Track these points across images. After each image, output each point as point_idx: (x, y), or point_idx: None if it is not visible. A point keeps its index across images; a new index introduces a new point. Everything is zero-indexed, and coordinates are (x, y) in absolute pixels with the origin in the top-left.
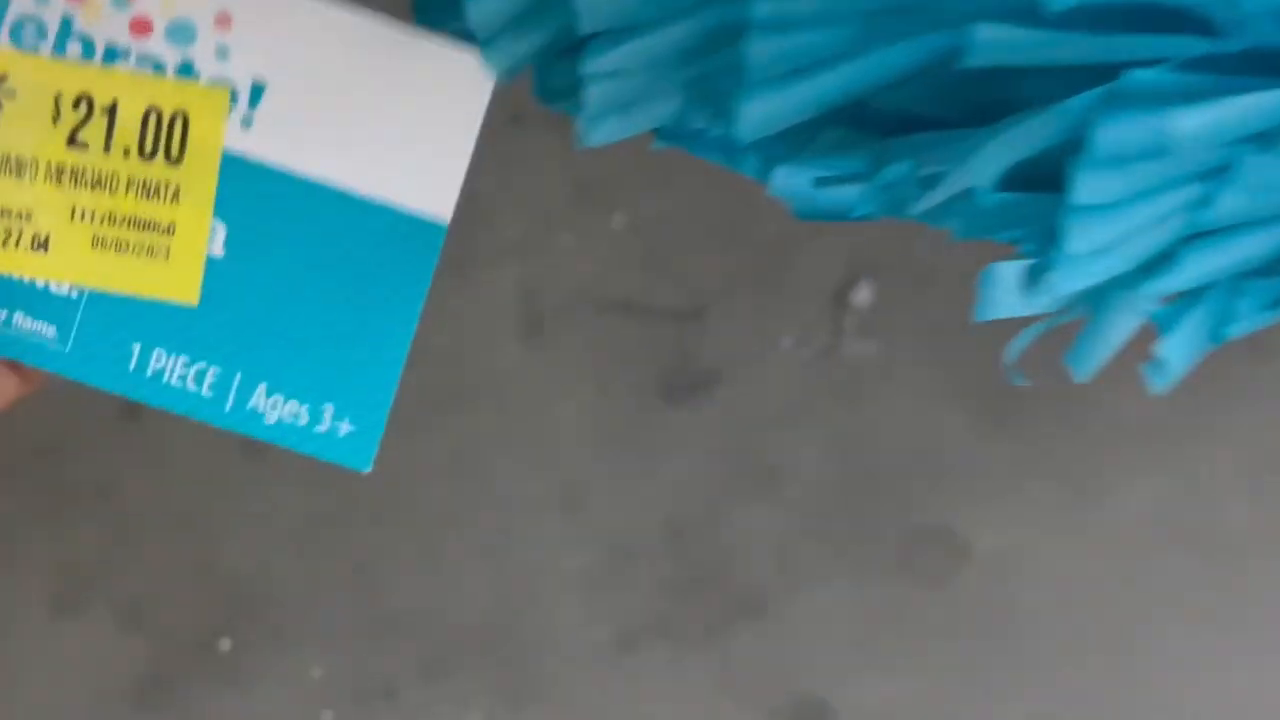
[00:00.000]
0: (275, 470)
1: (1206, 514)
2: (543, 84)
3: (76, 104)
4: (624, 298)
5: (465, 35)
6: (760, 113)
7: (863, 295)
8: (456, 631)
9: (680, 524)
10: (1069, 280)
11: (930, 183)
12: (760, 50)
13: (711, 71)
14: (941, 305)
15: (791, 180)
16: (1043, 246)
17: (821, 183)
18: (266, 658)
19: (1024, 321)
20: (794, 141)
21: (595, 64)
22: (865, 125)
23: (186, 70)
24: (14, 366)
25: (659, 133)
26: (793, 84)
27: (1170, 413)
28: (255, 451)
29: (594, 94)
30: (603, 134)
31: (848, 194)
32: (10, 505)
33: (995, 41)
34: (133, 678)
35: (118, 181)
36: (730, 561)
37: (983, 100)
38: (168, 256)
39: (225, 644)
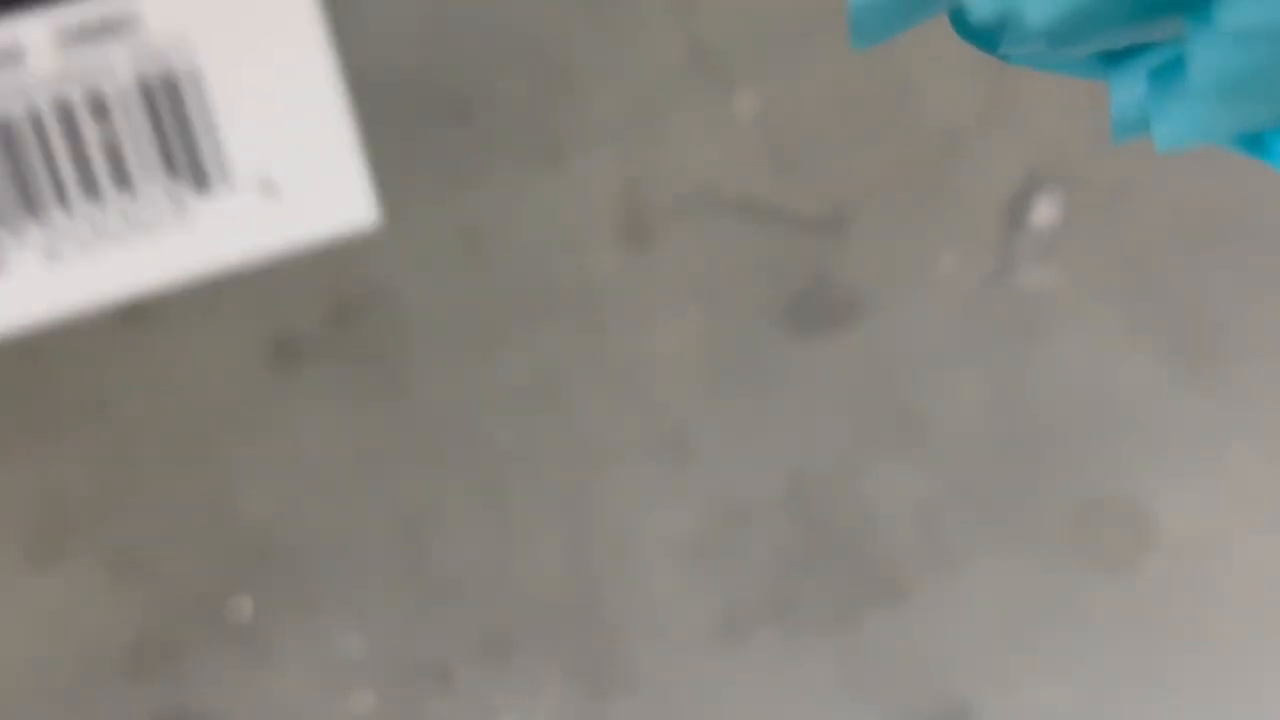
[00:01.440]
0: (309, 389)
1: None
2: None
3: None
4: (748, 198)
5: None
6: None
7: (1043, 210)
8: (525, 602)
9: (805, 482)
10: None
11: None
12: None
13: None
14: (1139, 227)
15: None
16: None
17: None
18: (292, 624)
19: (1241, 257)
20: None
21: (1239, 10)
22: None
23: None
24: None
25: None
26: None
27: None
28: (285, 365)
29: (1205, 63)
30: (1189, 128)
31: None
32: None
33: None
34: (126, 642)
35: None
36: (864, 531)
37: None
38: None
39: (242, 605)
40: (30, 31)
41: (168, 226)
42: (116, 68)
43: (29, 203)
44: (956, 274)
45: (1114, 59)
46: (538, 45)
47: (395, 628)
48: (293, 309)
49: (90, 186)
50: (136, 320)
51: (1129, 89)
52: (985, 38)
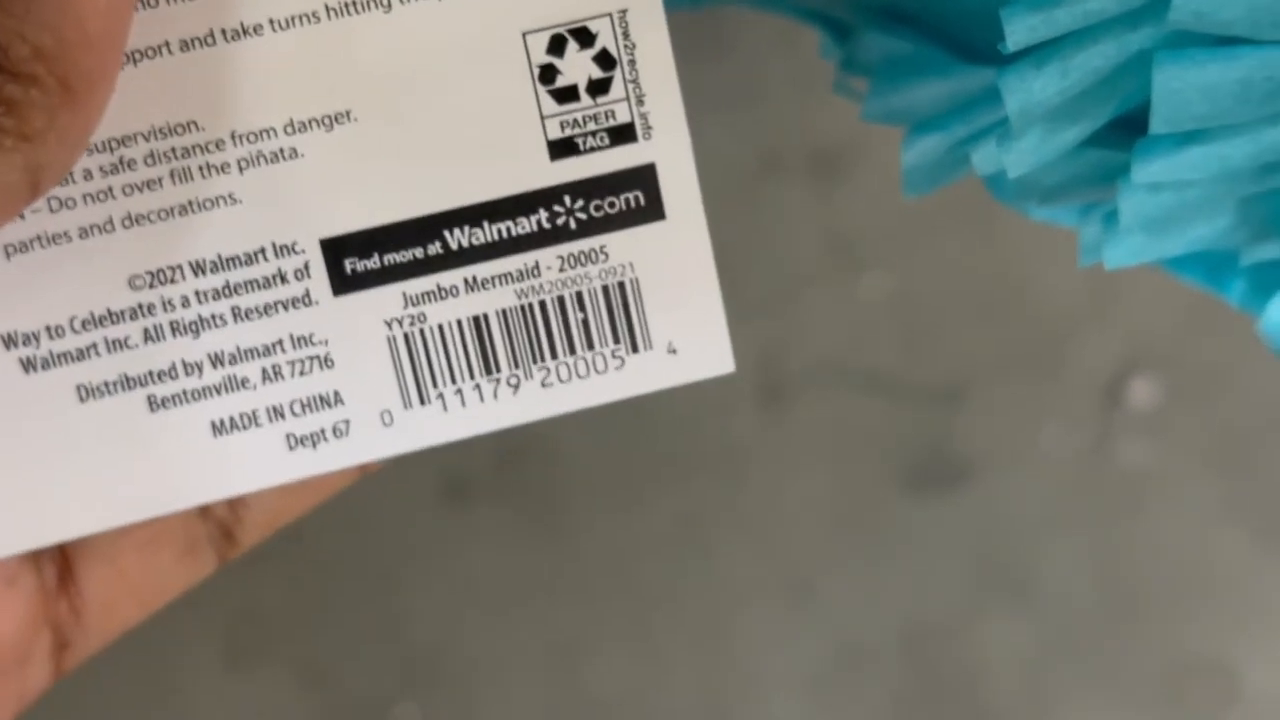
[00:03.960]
0: (476, 526)
1: None
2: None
3: None
4: (873, 372)
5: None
6: None
7: (1142, 391)
8: None
9: (917, 630)
10: None
11: None
12: None
13: None
14: (1234, 411)
15: None
16: None
17: None
18: None
19: None
20: None
21: (1146, 170)
22: None
23: None
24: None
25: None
26: None
27: None
28: (456, 507)
29: (1129, 207)
30: (1126, 253)
31: None
32: None
33: None
34: None
35: None
36: (971, 679)
37: None
38: None
39: (408, 713)
40: (547, 255)
41: (610, 374)
42: (591, 278)
43: (535, 354)
44: (1061, 446)
45: (1084, 209)
46: None
47: None
48: (465, 454)
49: (572, 347)
50: None
51: (1092, 228)
52: (1002, 191)
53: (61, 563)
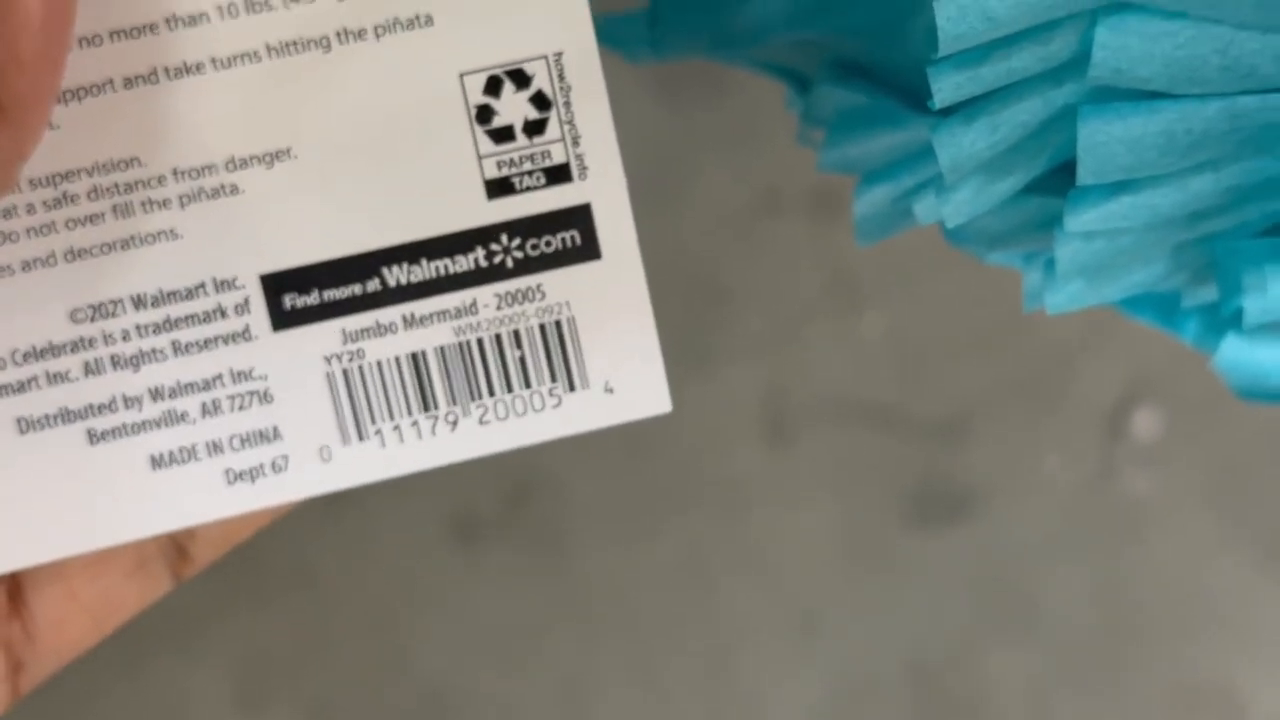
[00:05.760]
0: (482, 568)
1: None
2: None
3: None
4: (876, 405)
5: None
6: None
7: (1144, 420)
8: None
9: (924, 661)
10: None
11: None
12: None
13: (1225, 235)
14: (1234, 441)
15: (1248, 356)
16: None
17: None
18: None
19: None
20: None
21: (1078, 220)
22: None
23: None
24: None
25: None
26: None
27: None
28: (462, 546)
29: (1065, 254)
30: (1066, 300)
31: None
32: (195, 586)
33: None
34: None
35: None
36: (978, 708)
37: None
38: None
39: None
40: (484, 293)
41: (548, 413)
42: (528, 316)
43: (473, 391)
44: (1063, 476)
45: (1029, 256)
46: (693, 266)
47: None
48: (471, 493)
49: (509, 385)
50: (337, 499)
51: (1035, 275)
52: (955, 237)
53: (10, 584)
